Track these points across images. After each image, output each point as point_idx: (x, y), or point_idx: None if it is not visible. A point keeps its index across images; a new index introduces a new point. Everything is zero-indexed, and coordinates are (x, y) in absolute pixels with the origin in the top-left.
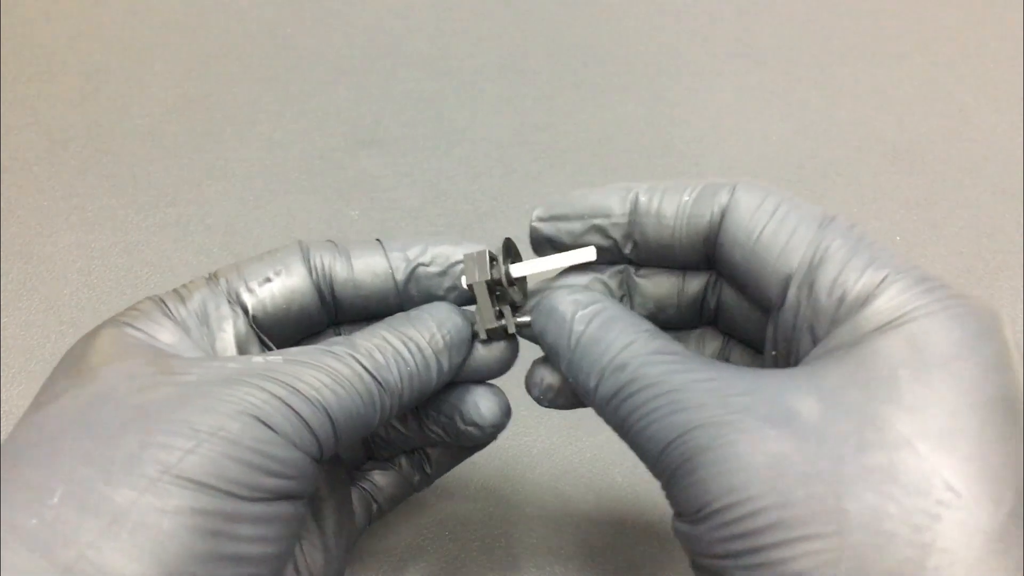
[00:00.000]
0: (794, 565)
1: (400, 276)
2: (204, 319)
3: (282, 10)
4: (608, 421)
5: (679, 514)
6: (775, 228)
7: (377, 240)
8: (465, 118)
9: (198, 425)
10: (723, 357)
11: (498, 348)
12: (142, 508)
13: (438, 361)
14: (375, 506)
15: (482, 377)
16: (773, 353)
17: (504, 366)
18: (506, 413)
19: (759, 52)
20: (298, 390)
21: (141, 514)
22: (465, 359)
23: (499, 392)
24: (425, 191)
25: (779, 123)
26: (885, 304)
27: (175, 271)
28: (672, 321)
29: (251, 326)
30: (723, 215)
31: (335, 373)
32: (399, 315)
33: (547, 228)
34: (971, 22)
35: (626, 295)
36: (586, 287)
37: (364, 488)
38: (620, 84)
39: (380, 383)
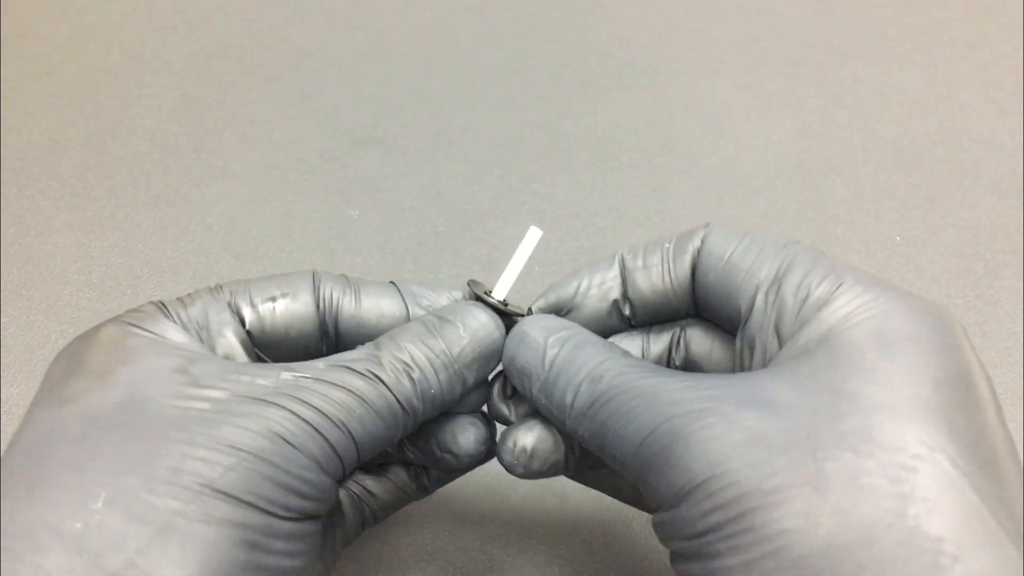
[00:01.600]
0: (777, 526)
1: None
2: (204, 324)
3: (282, 10)
4: (584, 433)
5: (657, 507)
6: (744, 249)
7: (392, 283)
8: (465, 118)
9: (237, 444)
10: None
11: (472, 428)
12: (189, 518)
13: (463, 377)
14: (368, 511)
15: (468, 409)
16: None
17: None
18: (483, 443)
19: (759, 52)
20: (327, 415)
21: (188, 524)
22: (492, 369)
23: (480, 423)
24: (425, 191)
25: (779, 123)
26: (846, 301)
27: (175, 271)
28: None
29: (247, 339)
30: (699, 251)
31: (362, 397)
32: (431, 317)
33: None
34: (971, 22)
35: None
36: (554, 316)
37: (355, 493)
38: (620, 84)
39: (404, 408)
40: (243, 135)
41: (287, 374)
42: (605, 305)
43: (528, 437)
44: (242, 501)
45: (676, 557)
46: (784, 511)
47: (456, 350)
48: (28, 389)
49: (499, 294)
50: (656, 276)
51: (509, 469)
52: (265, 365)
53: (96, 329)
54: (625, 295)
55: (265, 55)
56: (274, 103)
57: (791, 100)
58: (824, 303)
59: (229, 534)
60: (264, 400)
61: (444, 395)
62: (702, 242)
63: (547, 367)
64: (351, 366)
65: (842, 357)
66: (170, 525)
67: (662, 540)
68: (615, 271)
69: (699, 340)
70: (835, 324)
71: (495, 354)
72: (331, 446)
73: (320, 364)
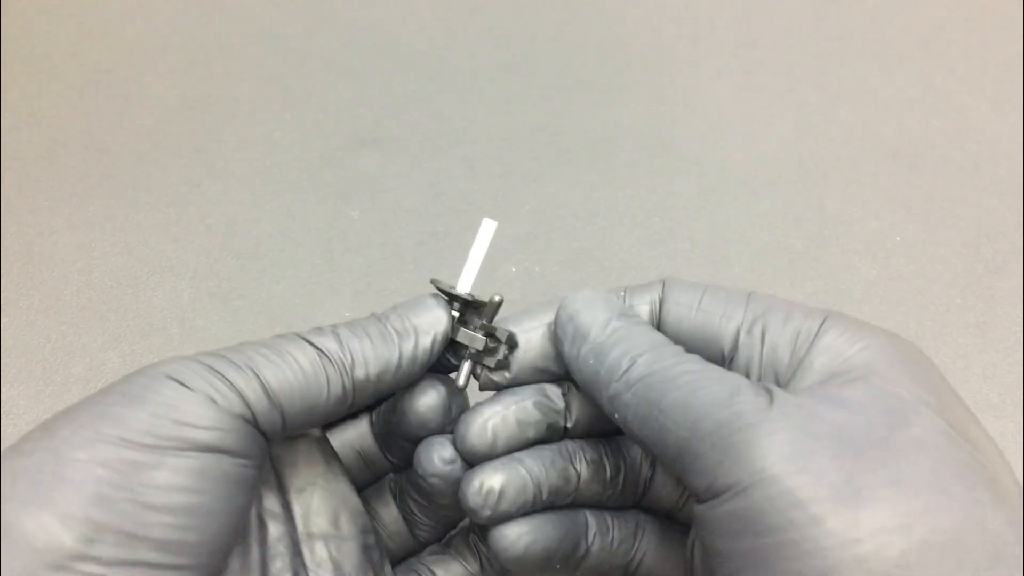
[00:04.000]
0: (868, 524)
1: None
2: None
3: (282, 10)
4: (630, 402)
5: (704, 500)
6: (711, 297)
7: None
8: (465, 118)
9: (124, 391)
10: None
11: (432, 389)
12: (59, 462)
13: (399, 337)
14: None
15: (420, 424)
16: None
17: (437, 412)
18: (444, 404)
19: (759, 52)
20: (226, 357)
21: (56, 467)
22: (441, 352)
23: (440, 386)
24: (425, 191)
25: (779, 123)
26: (835, 340)
27: (175, 271)
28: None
29: None
30: (661, 303)
31: (273, 343)
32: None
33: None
34: (971, 22)
35: (565, 410)
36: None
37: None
38: (620, 84)
39: (320, 349)
40: (243, 135)
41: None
42: (546, 349)
43: (495, 477)
44: (109, 436)
45: (712, 551)
46: (871, 512)
47: (391, 314)
48: (28, 389)
49: (463, 288)
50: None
51: (475, 513)
52: None
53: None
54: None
55: (265, 55)
56: (274, 103)
57: (791, 100)
58: (816, 336)
59: (94, 472)
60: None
61: (377, 347)
62: (663, 296)
63: (608, 332)
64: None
65: (880, 381)
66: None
67: (704, 532)
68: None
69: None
70: (846, 353)
71: (435, 323)
72: (225, 379)
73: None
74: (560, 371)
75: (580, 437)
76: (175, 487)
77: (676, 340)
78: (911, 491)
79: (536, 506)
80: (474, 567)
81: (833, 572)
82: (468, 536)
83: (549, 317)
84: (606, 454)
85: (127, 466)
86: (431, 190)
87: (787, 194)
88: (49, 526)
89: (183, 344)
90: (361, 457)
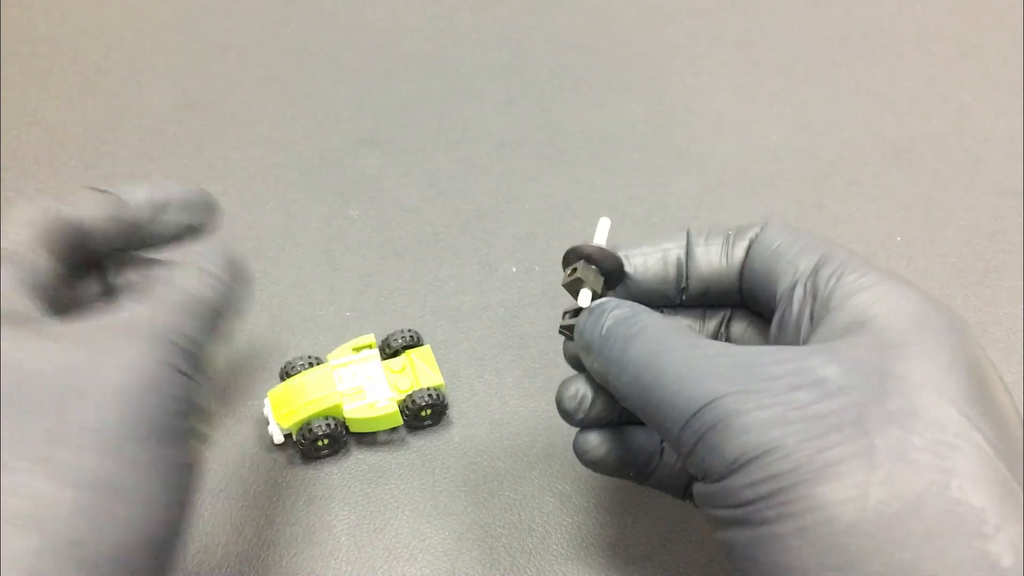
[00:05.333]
0: (830, 496)
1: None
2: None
3: (282, 10)
4: (631, 388)
5: (704, 478)
6: (790, 241)
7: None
8: (465, 118)
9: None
10: None
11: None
12: None
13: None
14: None
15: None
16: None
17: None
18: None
19: (759, 52)
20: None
21: None
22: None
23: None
24: (425, 191)
25: (779, 123)
26: (880, 292)
27: None
28: None
29: None
30: (754, 240)
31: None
32: None
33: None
34: (971, 22)
35: None
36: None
37: None
38: (620, 84)
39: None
40: (243, 135)
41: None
42: (665, 269)
43: (589, 386)
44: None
45: (720, 523)
46: (837, 483)
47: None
48: None
49: (598, 242)
50: (715, 255)
51: (569, 416)
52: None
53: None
54: (684, 268)
55: (265, 55)
56: (274, 103)
57: (791, 100)
58: (857, 291)
59: None
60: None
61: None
62: (758, 233)
63: (603, 332)
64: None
65: (885, 339)
66: None
67: (706, 507)
68: (682, 242)
69: (740, 330)
70: (871, 309)
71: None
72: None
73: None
74: (674, 295)
75: None
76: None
77: (751, 279)
78: (874, 462)
79: (621, 419)
80: None
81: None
82: None
83: (668, 244)
84: None
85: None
86: (431, 190)
87: (787, 194)
88: None
89: None
90: None
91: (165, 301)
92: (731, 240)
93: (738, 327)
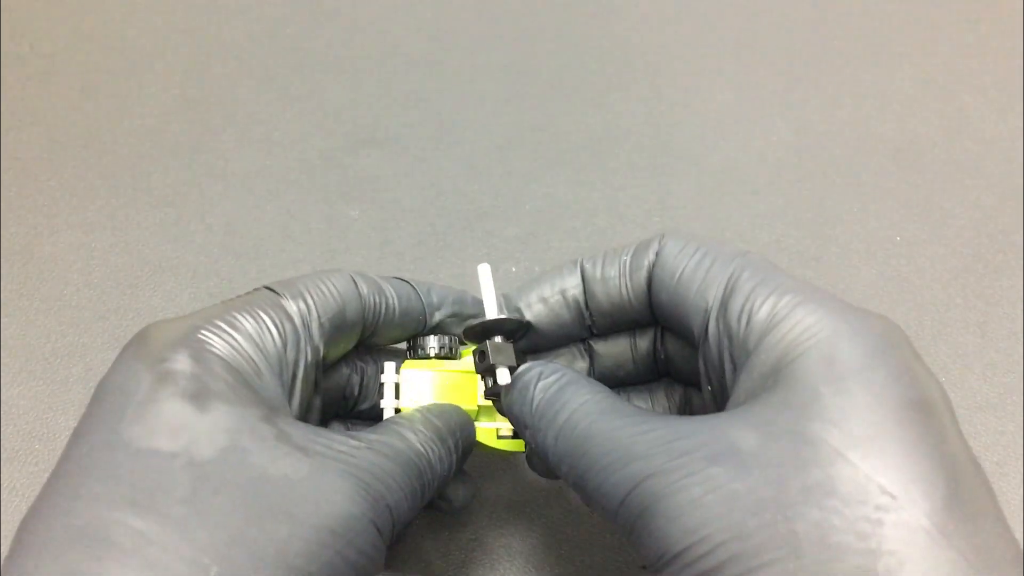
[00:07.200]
0: None
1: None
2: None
3: (281, 10)
4: (567, 479)
5: (649, 566)
6: (694, 267)
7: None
8: (465, 118)
9: (334, 528)
10: (685, 402)
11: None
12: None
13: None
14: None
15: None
16: (709, 388)
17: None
18: (473, 495)
19: (759, 52)
20: (389, 491)
21: None
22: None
23: (469, 480)
24: (425, 191)
25: (779, 123)
26: (792, 325)
27: (175, 271)
28: (632, 377)
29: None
30: (654, 264)
31: (411, 481)
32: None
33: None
34: (971, 22)
35: (589, 363)
36: (550, 361)
37: None
38: (620, 84)
39: (424, 485)
40: (243, 135)
41: (354, 442)
42: (567, 312)
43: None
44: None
45: None
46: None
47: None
48: (28, 389)
49: (491, 314)
50: (613, 288)
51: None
52: (332, 430)
53: (178, 341)
54: (584, 308)
55: (265, 55)
56: (274, 103)
57: (791, 100)
58: (771, 328)
59: None
60: (346, 472)
61: (448, 472)
62: (656, 256)
63: (533, 412)
64: (405, 444)
65: (797, 395)
66: None
67: None
68: (577, 279)
69: (673, 342)
70: (783, 353)
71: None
72: (392, 520)
73: (376, 436)
74: (582, 332)
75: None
76: None
77: (661, 312)
78: (799, 551)
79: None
80: None
81: None
82: None
83: (564, 283)
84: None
85: None
86: (431, 190)
87: (787, 194)
88: None
89: None
90: None
91: (399, 459)
92: (627, 268)
93: (674, 345)
